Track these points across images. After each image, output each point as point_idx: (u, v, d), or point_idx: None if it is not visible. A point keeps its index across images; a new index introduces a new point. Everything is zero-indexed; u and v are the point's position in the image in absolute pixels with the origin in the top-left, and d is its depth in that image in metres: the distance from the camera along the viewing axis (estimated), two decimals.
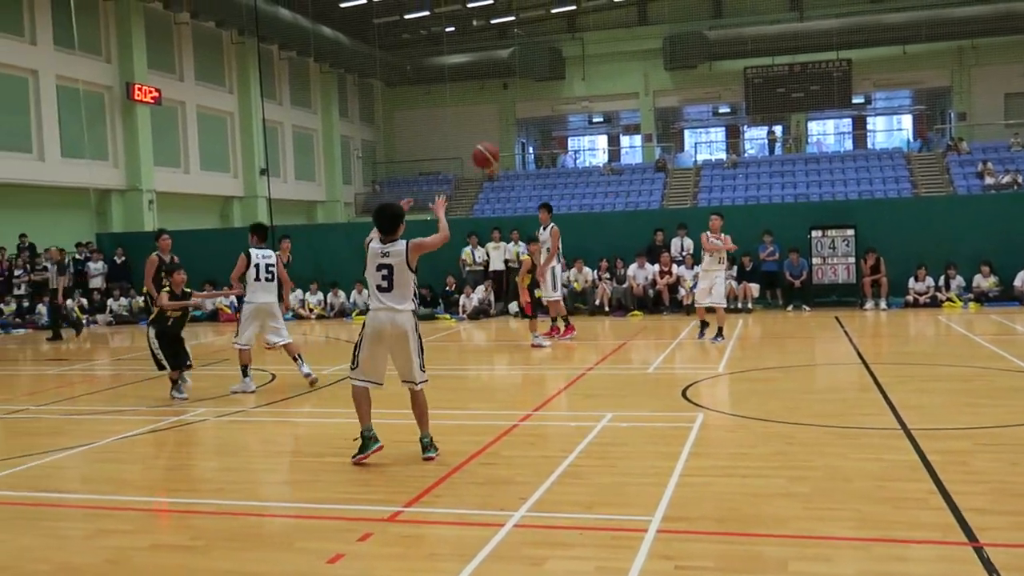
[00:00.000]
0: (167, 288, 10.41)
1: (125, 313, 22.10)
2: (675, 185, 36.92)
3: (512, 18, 41.76)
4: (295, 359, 10.89)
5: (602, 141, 51.43)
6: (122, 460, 7.70)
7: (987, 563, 4.48)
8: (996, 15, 34.70)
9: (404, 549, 5.07)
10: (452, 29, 41.29)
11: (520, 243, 19.75)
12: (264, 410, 9.68)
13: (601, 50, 41.74)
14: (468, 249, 20.95)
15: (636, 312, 19.03)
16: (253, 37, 30.72)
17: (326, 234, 24.08)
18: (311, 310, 21.28)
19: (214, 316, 21.22)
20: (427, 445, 6.97)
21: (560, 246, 14.81)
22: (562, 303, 15.19)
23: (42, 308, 21.12)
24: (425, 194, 39.20)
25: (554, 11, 41.50)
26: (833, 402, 9.09)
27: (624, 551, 4.80)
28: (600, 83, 42.38)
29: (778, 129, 44.81)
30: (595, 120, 48.57)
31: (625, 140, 50.25)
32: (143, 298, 13.95)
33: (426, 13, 39.22)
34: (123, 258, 23.53)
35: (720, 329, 13.81)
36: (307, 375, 10.77)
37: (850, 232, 19.10)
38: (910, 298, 18.49)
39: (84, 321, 21.76)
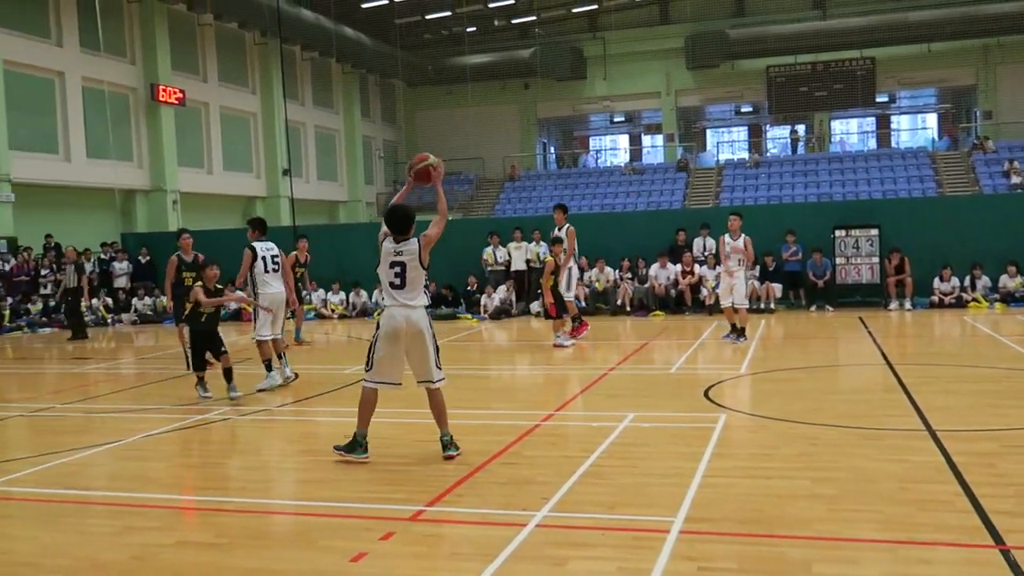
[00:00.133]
0: (200, 284, 10.18)
1: (149, 312, 22.28)
2: (697, 185, 36.78)
3: (533, 18, 41.75)
4: (279, 356, 10.96)
5: (624, 141, 51.32)
6: (147, 458, 7.76)
7: (1014, 566, 4.43)
8: (1022, 12, 34.30)
9: (426, 548, 5.08)
10: (473, 29, 41.33)
11: (542, 243, 19.75)
12: (287, 409, 9.73)
13: (622, 49, 41.66)
14: (489, 249, 20.96)
15: (658, 312, 18.98)
16: (276, 38, 30.90)
17: (348, 234, 24.17)
18: (333, 310, 21.37)
19: (237, 315, 21.36)
20: (447, 444, 6.98)
21: (576, 247, 14.79)
22: (574, 303, 15.16)
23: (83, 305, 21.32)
24: (447, 193, 39.27)
25: (575, 11, 41.45)
26: (857, 403, 9.03)
27: (646, 552, 4.80)
28: (621, 82, 42.29)
29: (801, 128, 44.54)
30: (616, 120, 48.48)
31: (647, 140, 50.12)
32: (169, 298, 14.04)
33: (447, 13, 39.28)
34: (147, 258, 23.73)
35: (743, 329, 13.75)
36: (287, 376, 10.91)
37: (874, 232, 18.95)
38: (935, 298, 18.33)
39: (109, 320, 22.01)
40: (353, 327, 18.94)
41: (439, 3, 38.65)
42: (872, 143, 44.80)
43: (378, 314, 7.08)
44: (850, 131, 46.60)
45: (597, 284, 19.92)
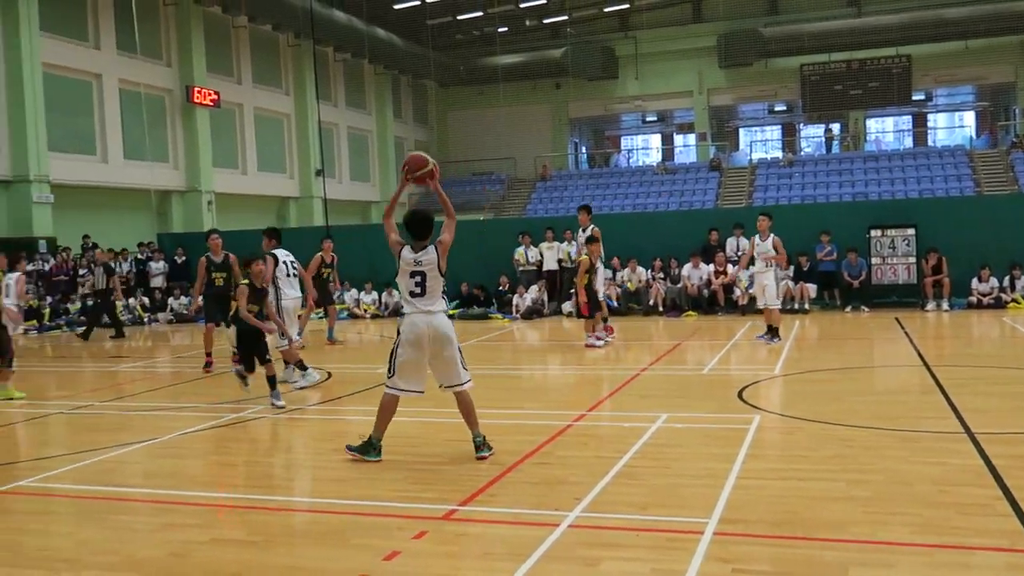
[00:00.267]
0: (247, 281, 9.71)
1: (185, 312, 22.52)
2: (730, 184, 36.55)
3: (565, 18, 41.73)
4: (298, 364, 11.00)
5: (655, 140, 51.13)
6: (183, 456, 7.85)
7: None
8: None
9: (459, 548, 5.09)
10: (505, 29, 41.38)
11: (573, 243, 19.72)
12: (321, 408, 9.80)
13: (654, 48, 41.51)
14: (521, 249, 20.96)
15: (690, 312, 18.87)
16: (309, 40, 31.16)
17: (380, 234, 23.90)
18: (366, 310, 21.49)
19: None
20: (480, 444, 6.99)
21: (602, 249, 14.75)
22: (605, 304, 15.12)
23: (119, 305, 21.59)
24: (478, 194, 39.47)
25: (607, 10, 41.38)
26: (893, 404, 8.92)
27: (680, 553, 4.77)
28: (653, 82, 42.14)
29: (835, 127, 44.10)
30: (648, 119, 48.31)
31: (679, 139, 49.92)
32: (198, 298, 14.05)
33: (479, 14, 39.37)
34: (183, 258, 24.00)
35: (775, 330, 13.64)
36: (293, 382, 10.89)
37: (911, 231, 18.72)
38: (973, 299, 18.07)
39: (145, 320, 22.28)
40: (386, 327, 19.02)
41: (471, 3, 38.76)
42: (908, 142, 44.27)
43: (399, 321, 7.09)
44: (886, 130, 46.08)
45: (629, 284, 19.85)
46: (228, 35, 32.17)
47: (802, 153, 42.64)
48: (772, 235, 13.58)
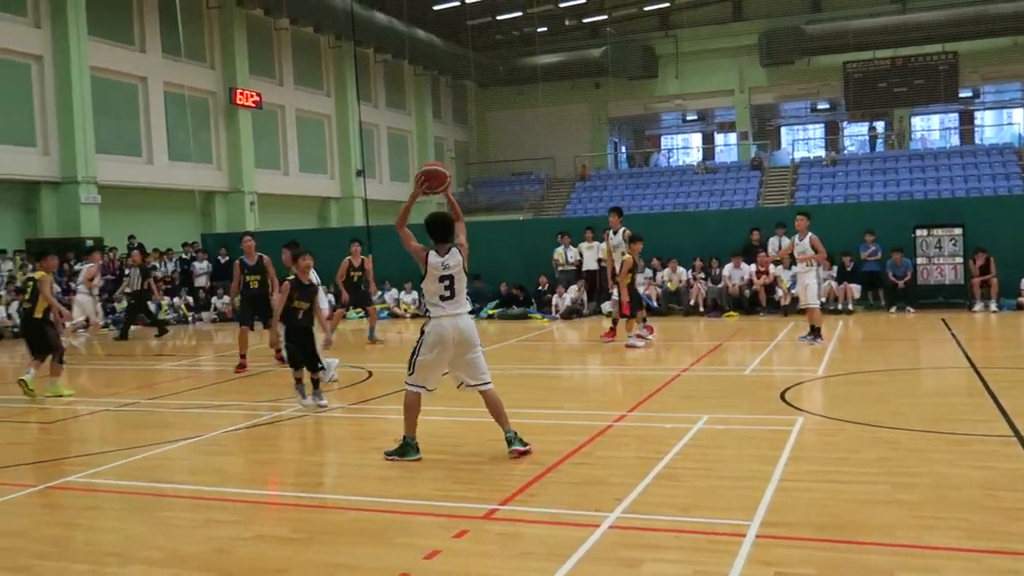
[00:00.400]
0: (292, 277, 9.65)
1: (228, 311, 22.80)
2: (771, 183, 36.20)
3: (604, 17, 41.60)
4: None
5: (696, 139, 50.81)
6: (227, 453, 7.96)
7: None
8: None
9: (499, 547, 5.10)
10: (544, 29, 41.36)
11: (603, 244, 19.63)
12: (362, 407, 9.87)
13: (695, 47, 41.23)
14: (560, 249, 20.92)
15: (732, 313, 18.72)
16: (350, 41, 31.42)
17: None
18: (406, 309, 21.60)
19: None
20: (511, 439, 7.02)
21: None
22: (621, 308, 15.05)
23: (151, 306, 21.92)
24: (517, 194, 39.49)
25: (647, 9, 41.15)
26: (940, 407, 8.77)
27: (722, 555, 4.73)
28: (694, 80, 41.85)
29: (880, 125, 43.47)
30: (689, 118, 48.00)
31: (720, 138, 49.57)
32: (233, 301, 14.19)
33: (519, 14, 39.39)
34: (226, 258, 24.24)
35: (818, 330, 13.49)
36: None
37: (957, 231, 18.40)
38: (1023, 299, 17.71)
39: (189, 319, 22.57)
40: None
41: (510, 4, 38.78)
42: (955, 140, 43.51)
43: (424, 322, 7.17)
44: (931, 127, 45.34)
45: (670, 284, 19.74)
46: (270, 37, 32.52)
47: (845, 152, 42.10)
48: (810, 234, 13.44)
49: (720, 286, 19.24)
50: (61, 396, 11.05)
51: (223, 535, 5.46)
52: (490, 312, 20.47)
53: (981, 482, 5.90)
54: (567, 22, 42.29)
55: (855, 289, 18.45)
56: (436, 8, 38.42)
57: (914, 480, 6.03)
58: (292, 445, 8.38)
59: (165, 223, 27.27)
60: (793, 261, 14.24)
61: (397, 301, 21.85)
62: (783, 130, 48.85)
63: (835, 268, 18.48)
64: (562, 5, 39.69)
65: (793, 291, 17.06)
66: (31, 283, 11.46)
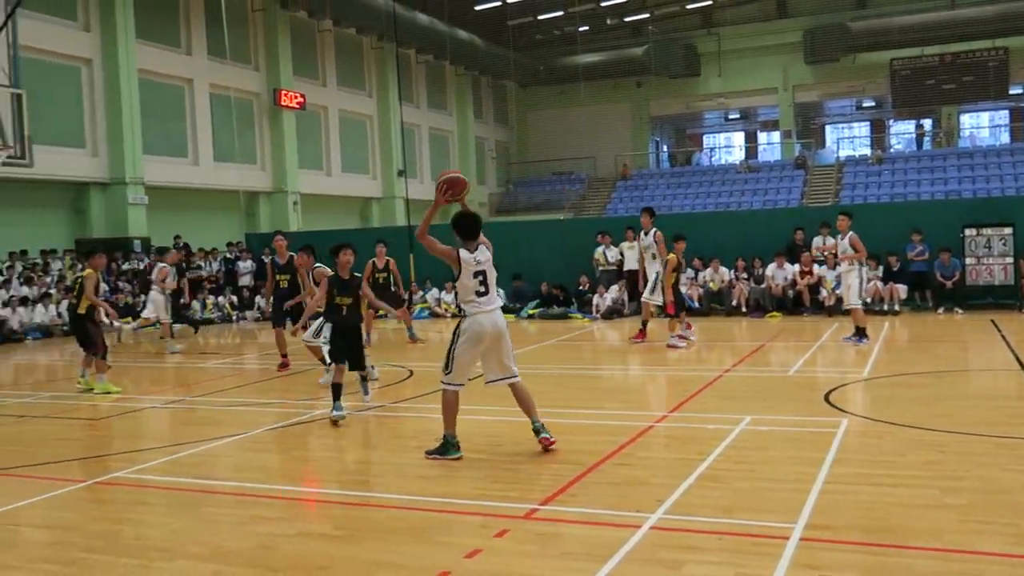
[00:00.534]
0: (332, 273, 9.41)
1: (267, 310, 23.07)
2: (815, 182, 35.77)
3: (646, 15, 41.37)
4: (322, 360, 11.21)
5: (739, 138, 50.39)
6: (270, 450, 8.05)
7: None
8: None
9: (539, 547, 5.09)
10: (586, 28, 41.25)
11: (635, 245, 19.52)
12: (403, 405, 9.92)
13: (738, 45, 40.85)
14: (601, 249, 20.86)
15: (774, 313, 18.53)
16: (392, 42, 31.62)
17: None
18: (446, 309, 21.67)
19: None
20: (539, 428, 7.16)
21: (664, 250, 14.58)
22: (651, 309, 14.94)
23: (196, 304, 22.24)
24: (558, 194, 39.44)
25: (689, 7, 40.86)
26: (989, 410, 8.59)
27: (765, 558, 4.68)
28: (737, 79, 41.46)
29: (927, 123, 42.74)
30: (731, 117, 47.60)
31: (763, 137, 49.10)
32: (268, 301, 14.29)
33: (560, 13, 39.33)
34: (270, 257, 24.53)
35: (863, 331, 13.30)
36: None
37: (1008, 231, 18.02)
38: None
39: (234, 317, 22.86)
40: None
41: (552, 3, 38.74)
42: (1005, 137, 42.62)
43: (458, 321, 7.24)
44: (981, 125, 44.46)
45: (712, 284, 19.59)
46: (313, 39, 32.83)
47: (892, 150, 41.45)
48: (851, 233, 13.30)
49: (763, 286, 19.05)
50: (109, 393, 11.25)
51: (267, 531, 5.52)
52: (531, 312, 20.48)
53: None
54: (608, 21, 42.13)
55: (901, 289, 18.17)
56: (477, 8, 38.50)
57: (962, 484, 5.92)
58: (335, 443, 8.44)
59: (210, 223, 27.66)
60: (837, 261, 14.09)
61: (438, 300, 21.94)
62: (827, 128, 48.24)
63: (881, 268, 18.21)
64: (603, 4, 39.56)
65: (837, 291, 16.85)
66: (79, 280, 11.75)
